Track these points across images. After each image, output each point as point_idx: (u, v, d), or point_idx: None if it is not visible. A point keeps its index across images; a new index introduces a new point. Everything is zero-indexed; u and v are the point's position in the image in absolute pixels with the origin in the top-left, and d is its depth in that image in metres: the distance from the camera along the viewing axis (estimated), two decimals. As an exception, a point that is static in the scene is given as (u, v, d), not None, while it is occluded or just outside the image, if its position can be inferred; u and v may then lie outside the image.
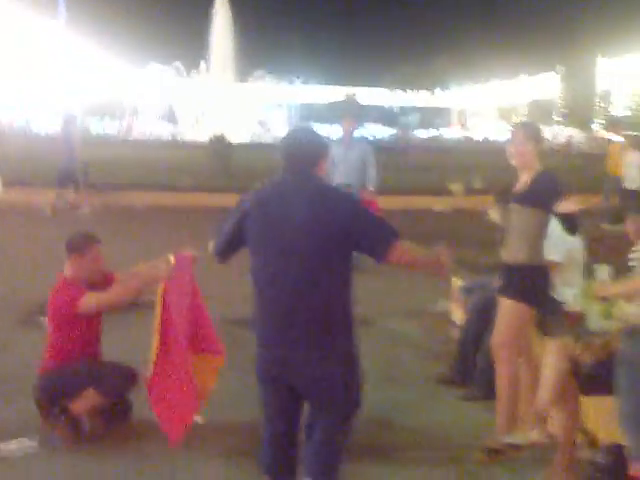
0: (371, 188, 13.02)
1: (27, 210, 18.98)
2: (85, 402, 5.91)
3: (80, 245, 6.12)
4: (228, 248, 4.57)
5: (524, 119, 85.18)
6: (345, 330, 4.45)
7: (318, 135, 4.69)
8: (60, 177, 19.10)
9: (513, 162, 5.84)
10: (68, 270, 6.11)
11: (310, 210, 4.30)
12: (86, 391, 5.89)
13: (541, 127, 6.25)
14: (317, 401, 4.47)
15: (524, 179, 5.79)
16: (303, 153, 4.47)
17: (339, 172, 12.64)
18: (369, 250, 4.36)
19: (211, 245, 4.64)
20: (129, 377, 6.03)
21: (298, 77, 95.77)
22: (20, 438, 5.87)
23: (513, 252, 5.72)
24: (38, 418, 6.04)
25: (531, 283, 5.72)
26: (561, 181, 5.76)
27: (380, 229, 4.39)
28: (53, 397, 5.98)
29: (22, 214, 18.63)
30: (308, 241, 4.28)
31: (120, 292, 6.02)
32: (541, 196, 5.62)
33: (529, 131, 5.88)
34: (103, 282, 6.22)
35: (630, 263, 4.88)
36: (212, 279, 11.57)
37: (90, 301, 5.91)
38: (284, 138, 4.64)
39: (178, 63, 64.20)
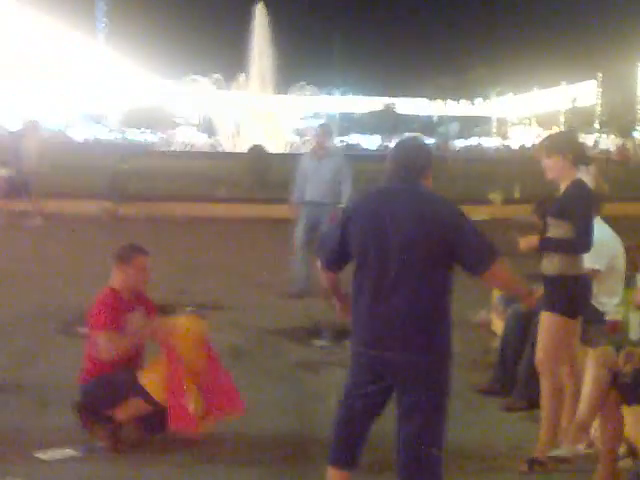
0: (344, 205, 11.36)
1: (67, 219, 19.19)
2: (130, 411, 5.94)
3: (127, 256, 6.17)
4: (338, 257, 4.68)
5: (563, 127, 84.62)
6: (441, 335, 4.57)
7: (427, 146, 5.01)
8: (9, 187, 18.90)
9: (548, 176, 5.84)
10: (114, 280, 6.17)
11: (416, 217, 4.45)
12: (132, 400, 5.91)
13: (572, 136, 6.17)
14: (412, 396, 4.54)
15: (560, 191, 5.77)
16: (413, 162, 4.65)
17: (310, 187, 11.65)
18: (468, 264, 4.51)
19: (318, 261, 4.79)
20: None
21: (338, 88, 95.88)
22: (61, 448, 5.91)
23: (551, 264, 5.68)
24: (77, 427, 6.08)
25: (571, 294, 5.67)
26: (591, 190, 5.75)
27: (482, 245, 4.51)
28: (96, 405, 6.01)
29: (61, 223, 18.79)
30: (412, 247, 4.42)
31: (123, 346, 6.01)
32: (571, 208, 5.58)
33: (552, 143, 5.84)
34: (148, 302, 6.33)
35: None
36: (246, 290, 11.61)
37: (103, 341, 5.93)
38: (395, 147, 4.85)
39: (218, 75, 64.44)
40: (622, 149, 65.45)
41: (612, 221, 7.43)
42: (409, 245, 4.41)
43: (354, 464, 4.76)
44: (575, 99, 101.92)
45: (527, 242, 5.78)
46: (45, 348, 8.63)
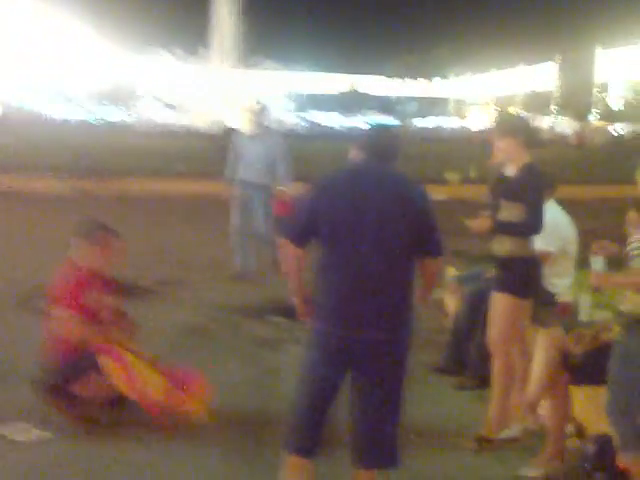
0: (283, 186, 11.36)
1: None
2: (89, 386, 5.91)
3: (95, 234, 6.13)
4: (306, 232, 4.60)
5: (521, 110, 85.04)
6: (409, 314, 4.61)
7: (398, 132, 5.12)
8: None
9: (494, 158, 5.90)
10: (77, 256, 6.12)
11: (391, 197, 4.49)
12: (90, 376, 5.88)
13: (524, 118, 6.22)
14: (381, 376, 4.57)
15: (510, 173, 5.82)
16: (394, 146, 4.74)
17: (244, 166, 11.33)
18: (425, 247, 4.59)
19: (284, 234, 4.70)
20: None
21: (300, 65, 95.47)
22: (26, 424, 5.90)
23: (502, 245, 5.75)
24: (39, 404, 6.04)
25: (522, 275, 5.75)
26: (545, 173, 5.80)
27: (436, 238, 4.63)
28: (58, 381, 5.96)
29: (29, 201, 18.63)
30: (386, 226, 4.46)
31: (78, 334, 5.96)
32: (523, 190, 5.66)
33: (504, 126, 5.90)
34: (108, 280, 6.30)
35: (632, 252, 4.88)
36: (207, 268, 11.59)
37: (69, 323, 5.93)
38: (369, 131, 4.91)
39: (180, 50, 64.00)
40: (580, 133, 66.06)
41: (568, 204, 7.52)
42: (383, 224, 4.44)
43: (317, 452, 4.71)
44: (533, 82, 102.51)
45: (478, 224, 5.83)
46: (4, 322, 8.58)
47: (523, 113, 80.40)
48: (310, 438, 4.68)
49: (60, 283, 6.04)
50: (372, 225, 4.44)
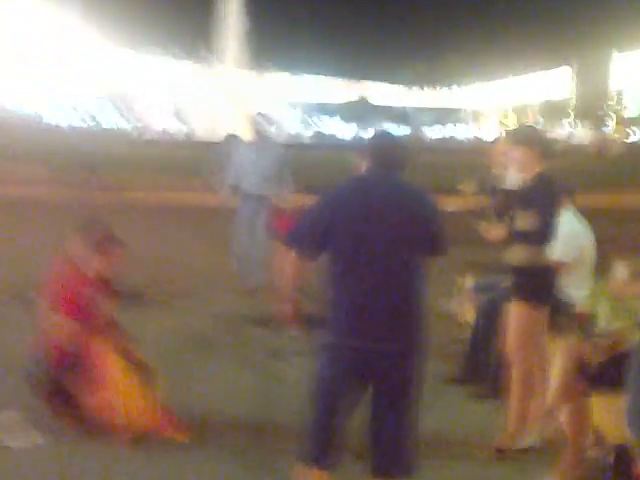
0: (286, 198, 11.04)
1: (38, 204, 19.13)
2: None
3: (104, 244, 6.15)
4: (320, 244, 4.53)
5: (537, 118, 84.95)
6: (423, 323, 4.57)
7: (401, 140, 5.02)
8: None
9: (496, 165, 5.93)
10: (73, 253, 6.13)
11: (403, 207, 4.49)
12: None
13: (539, 129, 6.24)
14: (398, 386, 4.53)
15: (524, 183, 5.82)
16: (399, 154, 4.71)
17: (248, 179, 11.09)
18: (428, 250, 4.58)
19: (294, 247, 4.61)
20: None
21: (310, 72, 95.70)
22: (26, 431, 5.93)
23: (516, 254, 5.74)
24: (43, 412, 6.06)
25: (536, 283, 5.75)
26: (559, 183, 5.80)
27: (444, 239, 4.64)
28: (64, 389, 5.99)
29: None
30: (400, 237, 4.45)
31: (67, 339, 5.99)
32: (535, 199, 5.66)
33: (520, 136, 5.90)
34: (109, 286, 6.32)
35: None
36: (217, 279, 11.60)
37: (62, 325, 5.95)
38: (373, 140, 4.83)
39: (190, 61, 64.19)
40: (599, 141, 65.66)
41: (587, 213, 7.50)
42: (394, 234, 4.43)
43: (335, 464, 4.64)
44: (548, 90, 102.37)
45: (493, 232, 5.83)
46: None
47: (539, 122, 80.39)
48: (328, 451, 4.62)
49: (58, 284, 6.04)
50: (383, 235, 4.43)
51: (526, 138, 5.84)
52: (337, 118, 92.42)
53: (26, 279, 10.00)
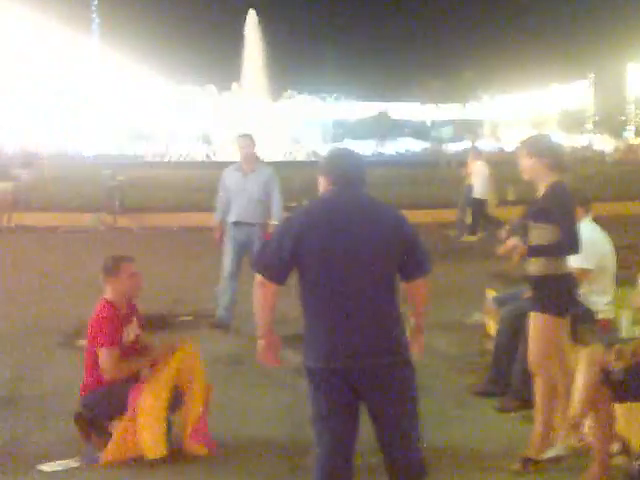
0: (275, 222, 10.10)
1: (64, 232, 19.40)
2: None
3: (113, 267, 6.26)
4: (286, 270, 4.50)
5: (555, 129, 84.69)
6: (403, 335, 4.57)
7: (359, 153, 4.91)
8: None
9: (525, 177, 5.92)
10: (107, 293, 6.26)
11: (373, 224, 4.45)
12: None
13: (550, 139, 6.22)
14: (390, 401, 4.51)
15: (539, 194, 5.84)
16: (356, 170, 4.64)
17: (237, 206, 10.28)
18: (406, 269, 4.53)
19: (262, 272, 4.51)
20: (172, 399, 6.08)
21: (330, 95, 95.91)
22: (63, 459, 6.00)
23: (536, 265, 5.75)
24: (78, 439, 6.16)
25: (556, 293, 5.73)
26: (577, 191, 5.78)
27: (423, 255, 4.57)
28: (96, 417, 6.09)
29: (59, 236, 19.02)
30: (373, 254, 4.41)
31: (124, 370, 6.11)
32: (549, 210, 5.67)
33: (529, 147, 5.90)
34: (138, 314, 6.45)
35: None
36: (240, 298, 11.66)
37: (105, 359, 6.03)
38: (332, 157, 4.78)
39: (212, 86, 64.69)
40: (630, 149, 65.20)
41: (607, 221, 7.50)
42: (364, 250, 4.40)
43: None
44: (566, 101, 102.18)
45: (513, 248, 5.80)
46: (45, 361, 8.71)
47: (557, 133, 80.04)
48: (340, 476, 4.59)
49: (98, 325, 6.13)
50: (353, 253, 4.39)
51: (536, 149, 5.84)
52: (356, 134, 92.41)
53: (71, 313, 10.21)
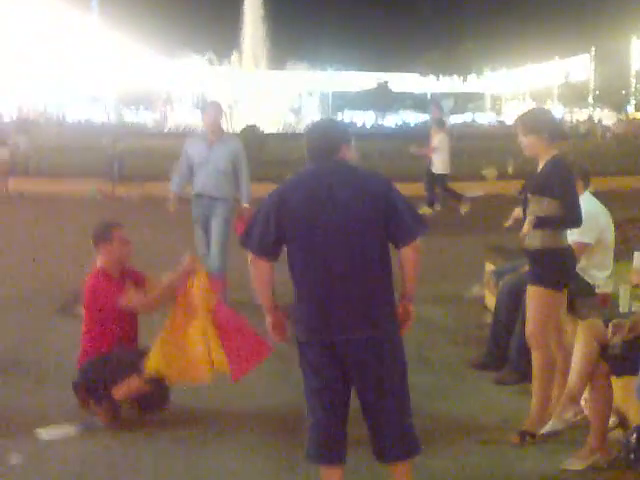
0: (245, 203, 9.74)
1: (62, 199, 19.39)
2: (128, 389, 6.02)
3: (104, 233, 6.26)
4: (276, 245, 4.51)
5: (556, 102, 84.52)
6: (392, 307, 4.55)
7: (338, 122, 5.00)
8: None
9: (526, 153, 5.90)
10: (100, 260, 6.24)
11: (353, 192, 4.42)
12: (130, 378, 5.98)
13: (545, 112, 6.18)
14: (376, 373, 4.51)
15: (540, 167, 5.83)
16: (326, 141, 4.60)
17: (200, 178, 9.71)
18: (393, 234, 4.47)
19: (251, 250, 4.54)
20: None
21: (330, 65, 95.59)
22: (60, 424, 6.03)
23: (534, 239, 5.73)
24: (76, 405, 6.19)
25: (554, 267, 5.73)
26: (576, 165, 5.75)
27: (411, 217, 4.50)
28: (96, 383, 6.09)
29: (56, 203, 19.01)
30: (356, 222, 4.40)
31: (157, 297, 6.13)
32: (549, 184, 5.65)
33: (526, 124, 5.86)
34: (135, 273, 6.44)
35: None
36: (245, 265, 11.62)
37: (132, 300, 6.08)
38: (306, 131, 4.78)
39: (210, 53, 64.25)
40: (633, 123, 64.83)
41: (607, 195, 7.48)
42: (347, 219, 4.39)
43: (345, 457, 4.68)
44: (568, 74, 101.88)
45: (524, 227, 5.78)
46: (43, 328, 8.75)
47: (558, 106, 79.91)
48: (333, 447, 4.64)
49: (92, 289, 6.14)
50: (336, 223, 4.39)
51: (532, 124, 5.81)
52: (355, 106, 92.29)
53: (66, 280, 10.19)
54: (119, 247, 6.25)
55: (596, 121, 70.59)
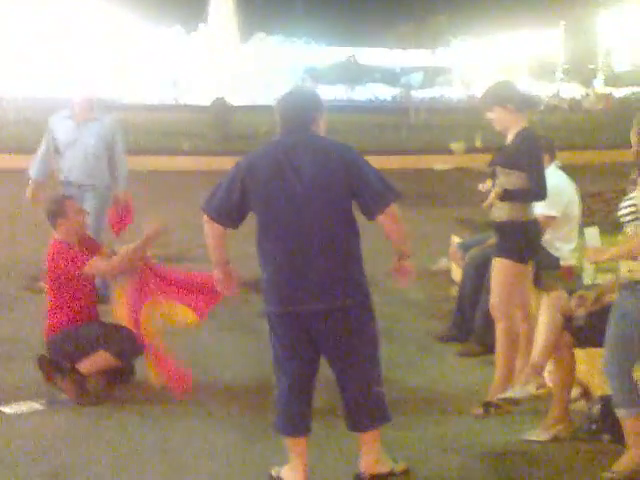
0: (123, 188, 8.81)
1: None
2: (95, 363, 6.00)
3: (58, 209, 6.20)
4: (238, 213, 4.52)
5: (526, 76, 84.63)
6: (361, 277, 4.56)
7: (311, 93, 4.90)
8: None
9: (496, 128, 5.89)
10: (59, 234, 6.19)
11: (318, 162, 4.41)
12: (96, 353, 5.98)
13: (508, 84, 6.14)
14: (346, 344, 4.53)
15: (509, 140, 5.83)
16: (298, 111, 4.59)
17: (67, 162, 8.49)
18: (367, 203, 4.45)
19: (208, 212, 4.55)
20: (137, 340, 6.06)
21: (301, 38, 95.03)
22: (26, 401, 5.98)
23: (501, 211, 5.75)
24: (42, 381, 6.13)
25: (520, 240, 5.74)
26: (543, 137, 5.74)
27: (381, 183, 4.47)
28: (61, 358, 6.06)
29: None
30: (321, 193, 4.39)
31: (122, 261, 6.10)
32: (518, 157, 5.66)
33: (491, 99, 5.85)
34: (91, 240, 6.54)
35: (623, 218, 4.85)
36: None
37: (98, 265, 6.07)
38: (279, 100, 4.73)
39: (178, 26, 63.88)
40: (607, 97, 65.07)
41: (573, 169, 7.52)
42: (313, 189, 4.38)
43: (310, 427, 4.71)
44: (537, 48, 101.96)
45: (490, 198, 5.78)
46: (8, 304, 8.66)
47: (526, 80, 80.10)
48: (297, 417, 4.67)
49: (55, 262, 6.10)
50: (302, 193, 4.38)
51: (497, 97, 5.79)
52: (326, 80, 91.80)
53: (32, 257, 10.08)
54: (75, 218, 6.21)
55: (564, 96, 70.79)
